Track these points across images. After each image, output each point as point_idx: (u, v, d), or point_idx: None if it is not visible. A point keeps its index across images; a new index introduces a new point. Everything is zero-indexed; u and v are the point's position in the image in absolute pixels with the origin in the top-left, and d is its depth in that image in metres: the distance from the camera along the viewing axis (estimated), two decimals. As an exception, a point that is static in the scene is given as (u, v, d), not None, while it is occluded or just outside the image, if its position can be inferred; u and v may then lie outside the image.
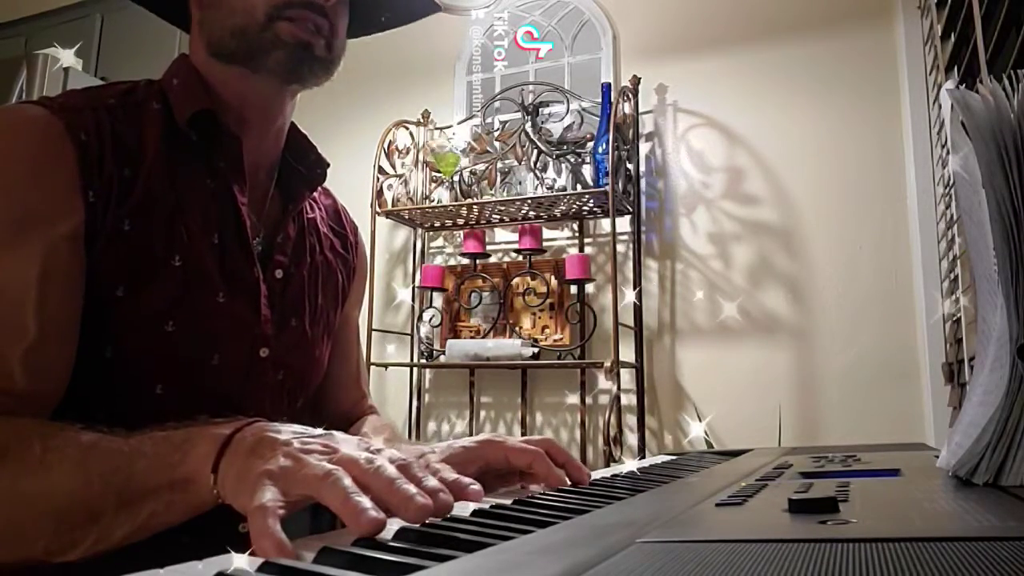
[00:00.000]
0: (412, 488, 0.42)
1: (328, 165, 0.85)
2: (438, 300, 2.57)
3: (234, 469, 0.46)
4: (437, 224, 2.63)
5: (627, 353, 2.26)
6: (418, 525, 0.40)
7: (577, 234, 2.49)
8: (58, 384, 0.62)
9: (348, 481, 0.41)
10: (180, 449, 0.49)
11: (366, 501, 0.40)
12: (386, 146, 2.53)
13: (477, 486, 0.52)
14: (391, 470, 0.44)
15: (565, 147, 2.37)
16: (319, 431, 0.49)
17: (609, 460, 2.16)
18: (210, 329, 0.70)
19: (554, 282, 2.44)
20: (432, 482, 0.45)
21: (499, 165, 2.47)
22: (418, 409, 2.59)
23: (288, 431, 0.48)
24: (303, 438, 0.47)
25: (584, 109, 2.44)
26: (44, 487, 0.51)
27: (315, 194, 0.88)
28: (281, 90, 0.76)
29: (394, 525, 0.40)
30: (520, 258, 2.45)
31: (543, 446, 0.67)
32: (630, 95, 2.37)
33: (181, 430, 0.51)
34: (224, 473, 0.47)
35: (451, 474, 0.53)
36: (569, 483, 0.64)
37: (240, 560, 0.33)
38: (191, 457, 0.48)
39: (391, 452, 0.47)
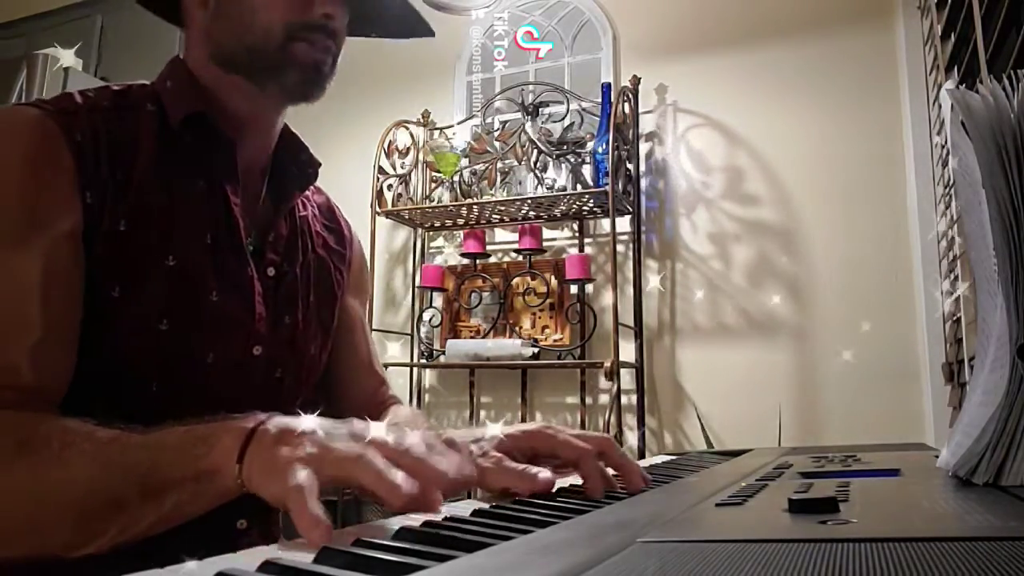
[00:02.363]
0: (444, 462, 0.45)
1: (319, 165, 0.86)
2: (438, 300, 2.57)
3: (260, 459, 0.47)
4: (437, 224, 2.63)
5: (627, 353, 2.26)
6: (418, 524, 0.41)
7: (577, 234, 2.49)
8: (62, 381, 0.63)
9: (381, 460, 0.43)
10: (205, 442, 0.50)
11: (400, 477, 0.41)
12: (386, 146, 2.54)
13: (546, 473, 0.55)
14: (420, 448, 0.46)
15: (565, 147, 2.37)
16: (338, 421, 0.50)
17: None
18: (204, 327, 0.70)
19: (554, 282, 2.43)
20: (456, 459, 0.47)
21: (499, 165, 2.47)
22: (418, 409, 2.59)
23: (309, 422, 0.49)
24: (324, 424, 0.48)
25: (584, 109, 2.44)
26: (64, 481, 0.51)
27: (307, 192, 0.88)
28: (282, 104, 0.78)
29: (394, 525, 0.40)
30: (520, 258, 2.45)
31: (600, 445, 0.63)
32: (630, 95, 2.37)
33: (202, 425, 0.52)
34: (250, 463, 0.47)
35: (516, 465, 0.56)
36: (618, 489, 0.60)
37: (240, 560, 0.33)
38: (216, 450, 0.49)
39: (416, 434, 0.49)
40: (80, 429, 0.54)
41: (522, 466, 0.56)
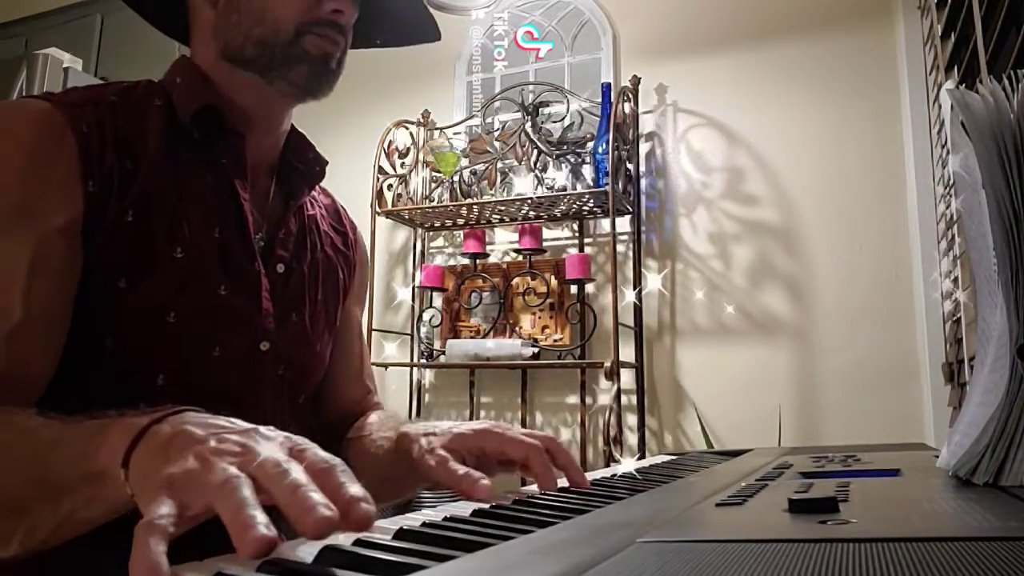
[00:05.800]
0: (318, 497, 0.37)
1: (327, 163, 0.86)
2: (438, 300, 2.57)
3: (142, 466, 0.43)
4: (437, 224, 2.63)
5: (627, 353, 2.26)
6: (419, 524, 0.40)
7: (577, 234, 2.49)
8: (41, 373, 0.62)
9: (247, 492, 0.37)
10: (94, 439, 0.46)
11: (260, 516, 0.35)
12: (386, 146, 2.53)
13: (486, 482, 0.55)
14: (299, 476, 0.38)
15: (565, 147, 2.37)
16: (245, 426, 0.44)
17: (609, 460, 2.16)
18: (211, 322, 0.70)
19: (554, 282, 2.43)
20: (356, 490, 0.39)
21: (499, 165, 2.47)
22: (418, 409, 2.59)
23: (210, 425, 0.44)
24: (222, 435, 0.42)
25: (584, 109, 2.44)
26: None
27: (314, 193, 0.89)
28: (291, 100, 0.78)
29: (394, 525, 0.40)
30: (520, 258, 2.45)
31: (544, 443, 0.66)
32: (630, 95, 2.37)
33: (98, 418, 0.48)
34: (134, 469, 0.43)
35: (459, 467, 0.57)
36: (566, 485, 0.63)
37: (240, 560, 0.33)
38: (103, 449, 0.45)
39: (315, 455, 0.42)
40: (16, 422, 0.51)
41: (464, 469, 0.57)
